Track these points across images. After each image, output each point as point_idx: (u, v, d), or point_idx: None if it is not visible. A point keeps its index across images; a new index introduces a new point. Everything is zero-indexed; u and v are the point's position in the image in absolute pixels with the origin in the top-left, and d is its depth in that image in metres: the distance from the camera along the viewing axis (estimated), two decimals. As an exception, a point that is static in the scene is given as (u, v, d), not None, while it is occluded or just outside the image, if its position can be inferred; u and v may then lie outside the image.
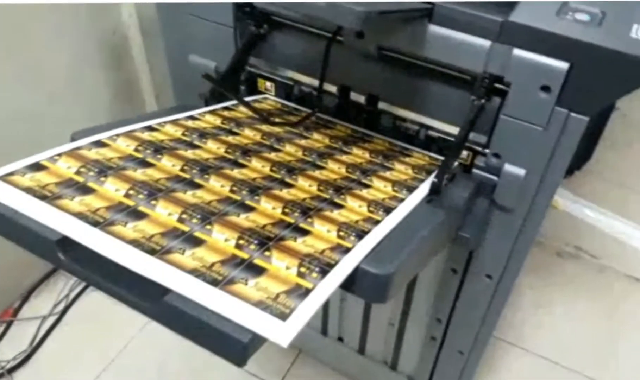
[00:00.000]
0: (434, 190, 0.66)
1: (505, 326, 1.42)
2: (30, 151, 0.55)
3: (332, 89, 0.81)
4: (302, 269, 0.47)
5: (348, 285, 0.50)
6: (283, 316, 0.41)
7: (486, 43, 0.65)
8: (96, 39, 1.33)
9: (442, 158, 0.76)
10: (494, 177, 0.74)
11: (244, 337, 0.40)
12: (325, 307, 1.18)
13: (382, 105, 0.80)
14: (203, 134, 0.67)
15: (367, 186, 0.64)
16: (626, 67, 0.59)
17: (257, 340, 0.40)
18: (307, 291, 0.44)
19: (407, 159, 0.73)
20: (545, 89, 0.64)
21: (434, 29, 0.67)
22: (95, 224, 0.47)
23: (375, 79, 0.78)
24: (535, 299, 1.50)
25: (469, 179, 0.75)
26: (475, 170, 0.76)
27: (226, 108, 0.77)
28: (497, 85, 0.69)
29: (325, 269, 0.47)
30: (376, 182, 0.65)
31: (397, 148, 0.76)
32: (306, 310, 0.42)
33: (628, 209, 1.75)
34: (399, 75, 0.76)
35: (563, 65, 0.62)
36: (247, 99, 0.82)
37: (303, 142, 0.72)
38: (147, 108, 1.53)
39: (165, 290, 0.43)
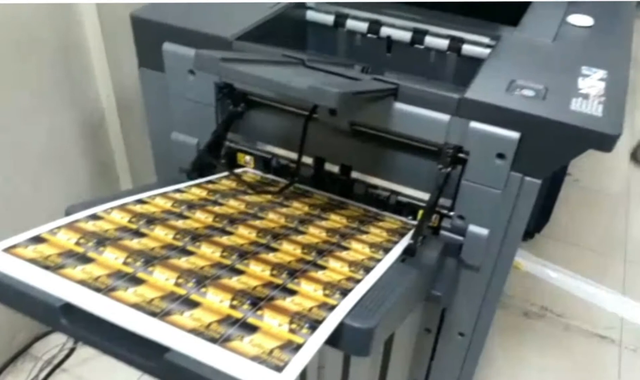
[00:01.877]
0: (410, 251, 0.71)
1: (481, 387, 1.45)
2: (12, 227, 0.58)
3: (308, 160, 0.87)
4: (293, 326, 0.50)
5: (334, 340, 0.54)
6: (278, 368, 0.44)
7: (446, 117, 0.73)
8: (74, 119, 1.38)
9: (411, 222, 0.82)
10: (460, 238, 0.80)
11: (242, 390, 0.43)
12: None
13: (355, 173, 0.86)
14: (191, 205, 0.72)
15: (346, 248, 0.69)
16: (568, 135, 0.68)
17: (255, 392, 0.43)
18: (299, 346, 0.47)
19: (381, 223, 0.79)
20: (501, 156, 0.71)
21: (399, 106, 0.75)
22: (97, 290, 0.50)
23: (348, 151, 0.84)
24: (507, 359, 1.53)
25: (437, 240, 0.81)
26: (442, 232, 0.82)
27: (210, 181, 0.82)
28: (460, 155, 0.76)
29: (314, 324, 0.51)
30: (354, 245, 0.70)
31: (371, 213, 0.82)
32: (299, 362, 0.46)
33: (586, 267, 1.84)
34: (370, 147, 0.83)
35: (514, 135, 0.70)
36: (232, 172, 0.88)
37: (284, 210, 0.77)
38: (122, 185, 1.56)
39: (165, 349, 0.45)
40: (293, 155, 0.87)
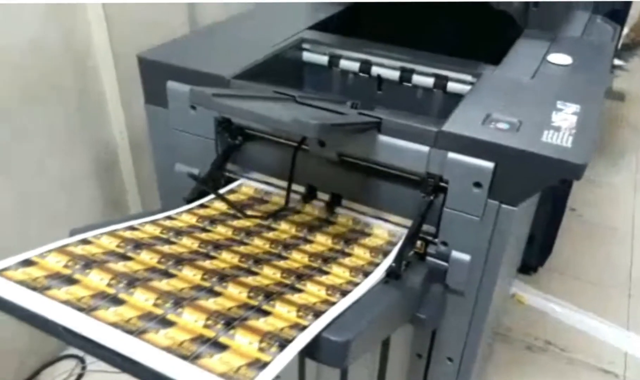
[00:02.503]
0: (394, 275, 0.75)
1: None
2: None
3: (301, 189, 0.92)
4: (263, 345, 0.54)
5: (311, 352, 0.58)
6: None
7: (425, 149, 0.78)
8: (89, 157, 1.46)
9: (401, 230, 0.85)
10: (444, 263, 0.84)
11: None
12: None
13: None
14: (179, 232, 0.76)
15: (326, 273, 0.72)
16: (540, 164, 0.72)
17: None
18: (265, 364, 0.51)
19: (367, 240, 0.82)
20: (478, 184, 0.76)
21: (383, 138, 0.80)
22: (80, 309, 0.55)
23: (338, 180, 0.89)
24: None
25: (422, 265, 0.84)
26: (428, 258, 0.85)
27: (202, 206, 0.87)
28: (441, 184, 0.80)
29: (283, 343, 0.54)
30: (335, 269, 0.74)
31: (359, 226, 0.86)
32: (263, 379, 0.49)
33: (590, 301, 1.84)
34: (358, 177, 0.88)
35: (489, 164, 0.74)
36: (227, 187, 0.93)
37: (271, 234, 0.81)
38: (132, 216, 1.62)
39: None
40: (286, 184, 0.92)
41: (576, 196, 2.38)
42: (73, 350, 1.59)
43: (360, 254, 0.79)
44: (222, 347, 0.53)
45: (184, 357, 0.50)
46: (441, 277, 0.85)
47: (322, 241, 0.81)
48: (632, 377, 1.60)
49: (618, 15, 1.41)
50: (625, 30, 3.87)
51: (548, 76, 0.94)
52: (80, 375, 1.49)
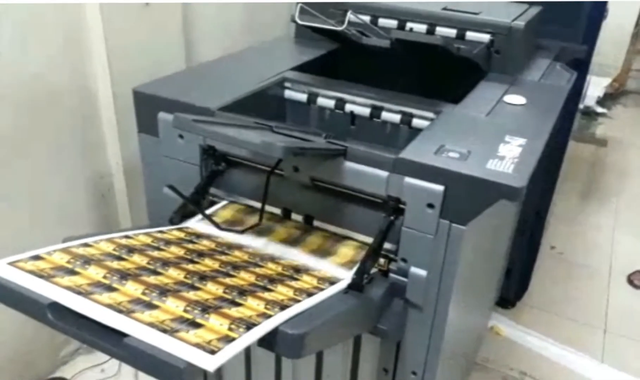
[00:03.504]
0: (356, 287, 0.83)
1: None
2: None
3: (277, 211, 1.01)
4: (232, 326, 0.62)
5: (270, 344, 0.66)
6: (212, 352, 0.56)
7: (385, 174, 0.87)
8: (85, 183, 1.55)
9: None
10: (404, 279, 0.92)
11: (180, 364, 0.55)
12: None
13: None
14: (168, 242, 0.85)
15: (296, 279, 0.81)
16: (483, 187, 0.81)
17: (191, 367, 0.55)
18: (233, 339, 0.59)
19: (334, 257, 0.90)
20: (431, 205, 0.85)
21: (349, 164, 0.90)
22: (79, 293, 0.63)
23: (310, 203, 0.98)
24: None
25: (384, 281, 0.93)
26: (390, 274, 0.94)
27: (187, 227, 0.96)
28: (400, 205, 0.89)
29: (250, 326, 0.63)
30: (305, 277, 0.82)
31: (330, 242, 0.94)
32: (230, 350, 0.57)
33: (565, 335, 1.90)
34: (328, 199, 0.97)
35: (440, 188, 0.84)
36: (216, 206, 1.02)
37: (250, 249, 0.89)
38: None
39: (125, 335, 0.58)
40: (266, 208, 1.01)
41: (557, 235, 2.47)
42: (60, 373, 1.65)
43: (328, 268, 0.87)
44: (198, 326, 0.61)
45: (164, 331, 0.58)
46: (402, 292, 0.93)
47: (295, 253, 0.89)
48: (605, 408, 1.65)
49: (580, 63, 1.54)
50: (609, 80, 4.05)
51: (501, 114, 1.04)
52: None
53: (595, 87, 3.69)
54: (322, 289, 0.79)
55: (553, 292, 2.12)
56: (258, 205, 1.02)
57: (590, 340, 1.90)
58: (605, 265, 2.29)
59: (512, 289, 1.96)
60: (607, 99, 4.01)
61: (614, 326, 1.97)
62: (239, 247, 0.90)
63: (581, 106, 2.74)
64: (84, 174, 1.55)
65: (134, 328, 0.59)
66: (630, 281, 2.18)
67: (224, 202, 1.05)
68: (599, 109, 3.80)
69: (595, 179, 3.02)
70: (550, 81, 1.26)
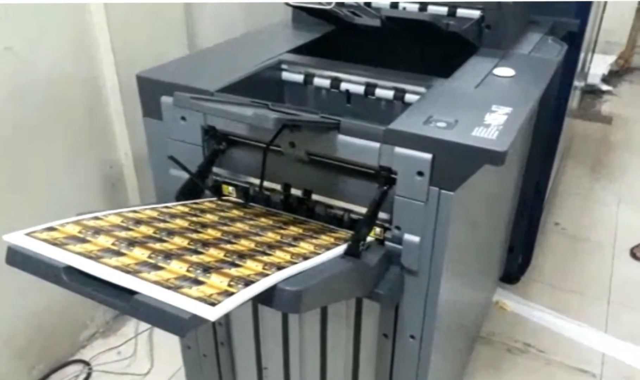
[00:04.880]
0: (352, 252, 0.88)
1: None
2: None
3: (278, 187, 1.06)
4: (232, 283, 0.67)
5: (269, 300, 0.71)
6: (213, 304, 0.61)
7: (376, 145, 0.91)
8: (95, 172, 1.62)
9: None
10: (399, 246, 0.96)
11: (185, 316, 0.60)
12: None
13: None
14: (174, 215, 0.91)
15: (294, 246, 0.86)
16: (469, 153, 0.85)
17: (195, 318, 0.60)
18: (232, 293, 0.64)
19: (332, 233, 0.96)
20: (420, 173, 0.89)
21: (342, 137, 0.94)
22: (90, 258, 0.69)
23: (308, 177, 1.03)
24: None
25: (381, 248, 0.97)
26: (386, 242, 0.98)
27: (195, 202, 1.01)
28: (391, 175, 0.94)
29: (248, 283, 0.68)
30: (302, 244, 0.87)
31: (326, 228, 0.99)
32: (230, 302, 0.62)
33: (569, 308, 1.93)
34: (325, 173, 1.01)
35: (428, 156, 0.88)
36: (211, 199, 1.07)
37: (251, 222, 0.95)
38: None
39: (134, 293, 0.63)
40: (268, 184, 1.06)
41: (561, 212, 2.50)
42: (79, 356, 1.72)
43: (325, 238, 0.92)
44: (200, 283, 0.66)
45: (169, 288, 0.64)
46: (398, 259, 0.98)
47: (294, 229, 0.94)
48: (609, 376, 1.68)
49: (574, 37, 1.56)
50: (614, 58, 4.04)
51: (490, 86, 1.08)
52: (88, 375, 1.62)
53: (600, 64, 3.69)
54: (318, 254, 0.84)
55: (557, 267, 2.15)
56: (259, 182, 1.08)
57: (594, 312, 1.93)
58: (609, 240, 2.32)
59: (516, 265, 2.00)
60: (613, 76, 4.00)
61: (617, 297, 2.00)
62: (241, 220, 0.95)
63: (583, 84, 2.75)
64: (94, 164, 1.61)
65: (142, 286, 0.64)
66: (633, 254, 2.21)
67: None
68: (604, 87, 3.79)
69: (600, 156, 3.03)
70: (541, 54, 1.29)
